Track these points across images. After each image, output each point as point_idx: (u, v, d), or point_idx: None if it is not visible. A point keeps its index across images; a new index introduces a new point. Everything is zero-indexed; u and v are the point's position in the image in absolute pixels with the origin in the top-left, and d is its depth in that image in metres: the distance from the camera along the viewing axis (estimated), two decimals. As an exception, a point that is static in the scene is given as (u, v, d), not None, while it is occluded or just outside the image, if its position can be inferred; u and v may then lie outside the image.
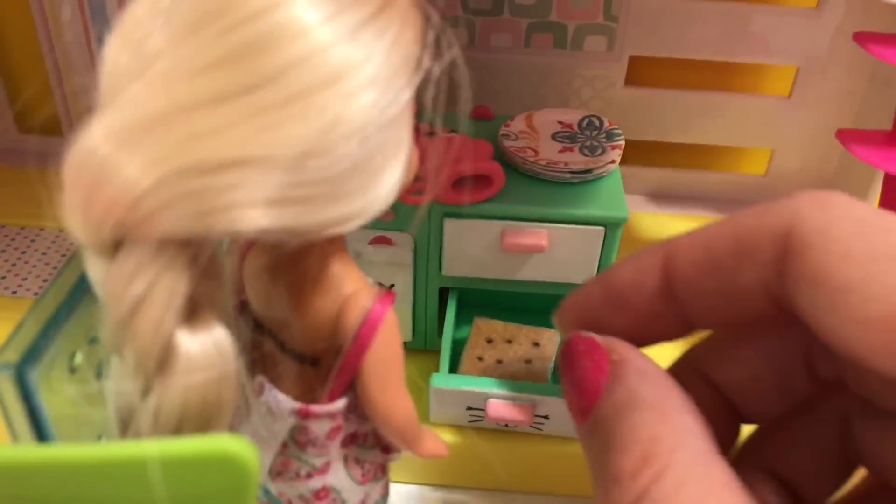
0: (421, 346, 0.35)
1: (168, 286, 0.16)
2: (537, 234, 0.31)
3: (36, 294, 0.39)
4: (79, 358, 0.19)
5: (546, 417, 0.30)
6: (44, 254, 0.41)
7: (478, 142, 0.31)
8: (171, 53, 0.16)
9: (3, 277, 0.40)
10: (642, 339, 0.20)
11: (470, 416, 0.31)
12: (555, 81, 0.44)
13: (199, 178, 0.15)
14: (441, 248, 0.32)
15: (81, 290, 0.19)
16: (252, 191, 0.15)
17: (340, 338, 0.21)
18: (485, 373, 0.32)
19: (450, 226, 0.32)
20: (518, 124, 0.35)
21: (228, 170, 0.15)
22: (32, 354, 0.17)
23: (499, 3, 0.42)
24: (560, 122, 0.35)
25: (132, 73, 0.16)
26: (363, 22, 0.16)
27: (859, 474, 0.20)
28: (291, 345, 0.22)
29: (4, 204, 0.45)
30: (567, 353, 0.20)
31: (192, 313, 0.17)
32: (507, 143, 0.33)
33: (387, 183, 0.18)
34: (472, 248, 0.32)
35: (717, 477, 0.16)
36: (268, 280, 0.21)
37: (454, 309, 0.34)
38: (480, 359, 0.33)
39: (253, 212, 0.16)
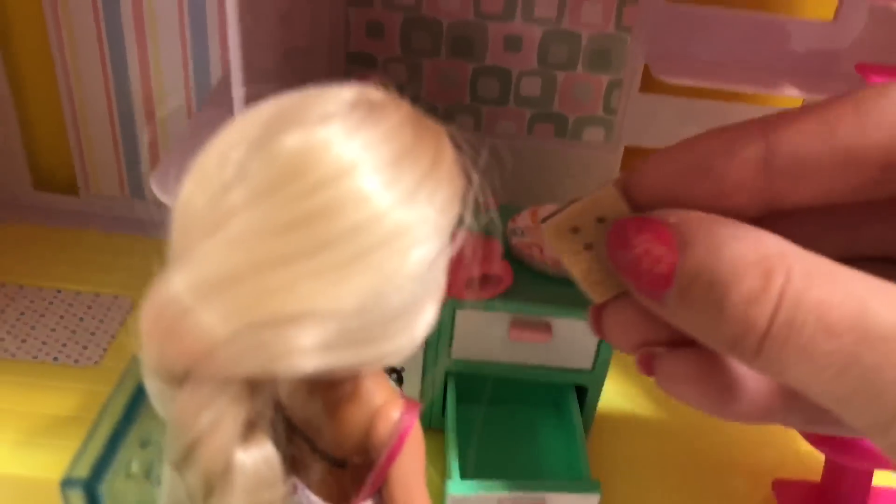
0: (426, 425, 0.37)
1: (232, 417, 0.18)
2: (542, 327, 0.33)
3: (35, 357, 0.40)
4: (135, 465, 0.21)
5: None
6: (61, 317, 0.43)
7: (488, 240, 0.34)
8: (247, 213, 0.18)
9: (24, 341, 0.41)
10: (719, 212, 0.20)
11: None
12: (554, 167, 0.47)
13: (269, 330, 0.17)
14: (451, 335, 0.35)
15: (139, 404, 0.21)
16: (313, 339, 0.17)
17: (370, 445, 0.23)
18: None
19: (461, 316, 0.34)
20: (524, 219, 0.37)
21: (295, 322, 0.17)
22: (100, 469, 0.19)
23: (505, 93, 0.45)
24: (563, 218, 0.37)
25: (208, 225, 0.18)
26: (416, 184, 0.18)
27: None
28: (322, 447, 0.24)
29: (23, 263, 0.47)
30: (617, 236, 0.20)
31: (247, 432, 0.19)
32: (514, 239, 0.35)
33: (428, 315, 0.20)
34: (480, 336, 0.34)
35: (832, 264, 0.17)
36: (305, 392, 0.23)
37: (454, 398, 0.36)
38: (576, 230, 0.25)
39: (312, 356, 0.18)
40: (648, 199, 0.21)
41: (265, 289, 0.17)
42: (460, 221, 0.20)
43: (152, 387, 0.19)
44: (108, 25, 0.45)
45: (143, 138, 0.49)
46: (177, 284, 0.17)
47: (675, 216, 0.19)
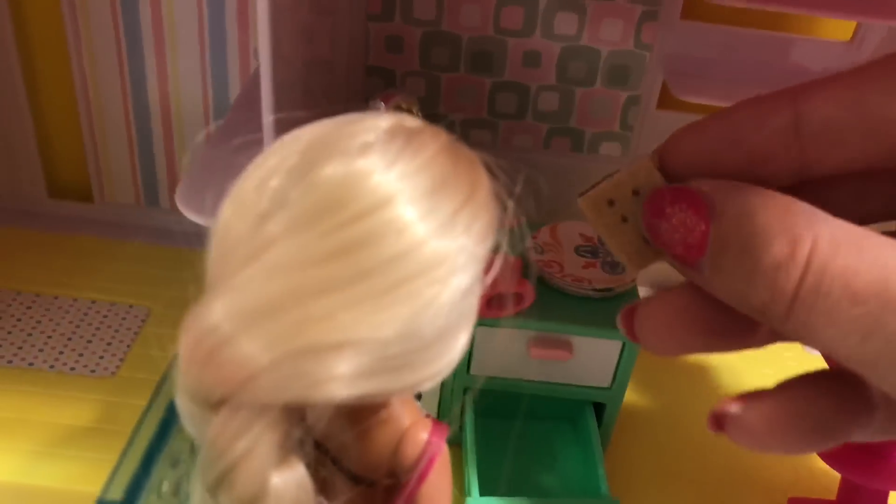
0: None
1: (268, 442, 0.18)
2: (563, 345, 0.34)
3: (52, 367, 0.40)
4: (165, 485, 0.21)
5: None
6: (77, 326, 0.43)
7: (509, 258, 0.34)
8: (287, 241, 0.18)
9: (41, 350, 0.41)
10: (751, 180, 0.20)
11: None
12: (571, 182, 0.47)
13: (309, 358, 0.17)
14: (471, 351, 0.35)
15: (171, 423, 0.21)
16: (352, 366, 0.18)
17: (398, 467, 0.23)
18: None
19: (480, 332, 0.34)
20: (543, 236, 0.37)
21: (335, 351, 0.17)
22: (133, 491, 0.19)
23: (522, 108, 0.45)
24: (582, 235, 0.38)
25: (247, 253, 0.18)
26: (453, 214, 0.19)
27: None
28: (349, 467, 0.24)
29: (39, 272, 0.47)
30: (654, 206, 0.21)
31: (281, 455, 0.19)
32: (535, 256, 0.35)
33: (462, 341, 0.20)
34: (499, 353, 0.34)
35: (851, 225, 0.18)
36: (333, 412, 0.23)
37: (473, 414, 0.36)
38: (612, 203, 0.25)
39: (349, 383, 0.18)
40: (683, 170, 0.21)
41: (305, 318, 0.17)
42: (496, 248, 0.20)
43: (186, 409, 0.19)
44: (127, 35, 0.45)
45: (160, 147, 0.49)
46: (217, 312, 0.17)
47: (707, 185, 0.20)
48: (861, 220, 0.20)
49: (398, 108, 0.32)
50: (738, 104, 0.21)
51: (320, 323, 0.17)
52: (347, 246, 0.17)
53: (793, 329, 0.18)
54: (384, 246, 0.18)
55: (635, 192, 0.23)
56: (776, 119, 0.20)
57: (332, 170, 0.18)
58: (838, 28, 0.44)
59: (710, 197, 0.20)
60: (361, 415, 0.23)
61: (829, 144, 0.20)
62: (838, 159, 0.20)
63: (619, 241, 0.24)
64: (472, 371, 0.35)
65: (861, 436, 0.21)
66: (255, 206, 0.18)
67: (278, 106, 0.27)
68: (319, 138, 0.19)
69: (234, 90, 0.47)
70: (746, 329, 0.21)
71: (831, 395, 0.21)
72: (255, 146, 0.25)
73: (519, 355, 0.34)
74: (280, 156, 0.19)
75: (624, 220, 0.24)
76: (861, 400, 0.20)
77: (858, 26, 0.43)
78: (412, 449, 0.23)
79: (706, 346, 0.22)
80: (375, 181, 0.18)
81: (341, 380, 0.18)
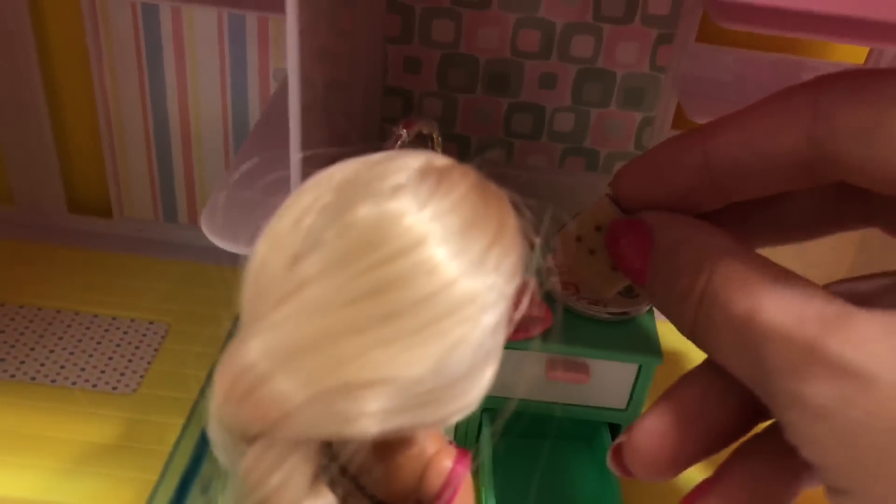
0: (460, 460, 0.38)
1: (301, 476, 0.19)
2: (580, 368, 0.34)
3: (74, 383, 0.41)
4: (198, 513, 0.22)
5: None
6: (98, 343, 0.44)
7: (529, 281, 0.34)
8: (321, 281, 0.18)
9: (63, 367, 0.42)
10: (685, 210, 0.24)
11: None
12: (585, 199, 0.47)
13: (343, 396, 0.18)
14: (486, 374, 0.35)
15: (204, 452, 0.21)
16: (384, 404, 0.18)
17: (423, 495, 0.24)
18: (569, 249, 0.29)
19: (497, 355, 0.34)
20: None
21: (368, 389, 0.18)
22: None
23: (538, 128, 0.45)
24: (598, 257, 0.38)
25: (282, 292, 0.19)
26: (483, 253, 0.19)
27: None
28: (375, 494, 0.25)
29: (60, 287, 0.48)
30: (611, 236, 0.24)
31: (312, 486, 0.20)
32: (552, 278, 0.36)
33: (489, 375, 0.20)
34: (515, 374, 0.35)
35: (754, 261, 0.21)
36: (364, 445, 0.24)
37: (489, 434, 0.37)
38: (580, 239, 0.29)
39: (381, 419, 0.18)
40: (631, 204, 0.25)
41: (339, 357, 0.18)
42: (524, 286, 0.20)
43: (220, 440, 0.19)
44: (149, 53, 0.46)
45: (178, 164, 0.50)
46: (253, 351, 0.18)
47: (651, 217, 0.23)
48: (787, 230, 0.25)
49: (419, 135, 0.33)
50: (660, 145, 0.24)
51: (353, 362, 0.18)
52: (380, 286, 0.18)
53: (700, 348, 0.22)
54: (416, 286, 0.18)
55: (598, 228, 0.27)
56: (689, 158, 0.23)
57: (365, 211, 0.18)
58: (852, 52, 0.44)
59: (652, 228, 0.23)
60: (387, 444, 0.24)
61: (737, 178, 0.23)
62: (750, 189, 0.23)
63: (589, 271, 0.27)
64: (490, 392, 0.36)
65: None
66: (291, 245, 0.19)
67: (307, 128, 0.27)
68: (352, 178, 0.20)
69: (254, 108, 0.47)
70: (734, 423, 0.24)
71: (722, 400, 0.23)
72: (282, 181, 0.26)
73: (536, 377, 0.35)
74: (314, 195, 0.20)
75: (591, 252, 0.27)
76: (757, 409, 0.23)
77: (871, 50, 0.43)
78: (437, 478, 0.23)
79: (702, 456, 0.25)
80: (408, 223, 0.18)
81: (373, 416, 0.18)
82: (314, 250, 0.19)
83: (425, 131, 0.34)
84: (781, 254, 0.24)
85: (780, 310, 0.20)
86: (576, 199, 0.49)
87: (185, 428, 0.22)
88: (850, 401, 0.18)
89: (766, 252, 0.25)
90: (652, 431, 0.24)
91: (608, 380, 0.35)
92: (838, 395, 0.19)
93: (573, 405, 0.36)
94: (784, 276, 0.21)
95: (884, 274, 0.24)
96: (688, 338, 0.22)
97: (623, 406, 0.36)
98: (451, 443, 0.25)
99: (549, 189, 0.47)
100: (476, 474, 0.36)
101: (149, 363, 0.43)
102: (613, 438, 0.37)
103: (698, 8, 0.42)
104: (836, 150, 0.20)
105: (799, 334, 0.19)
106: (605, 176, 0.47)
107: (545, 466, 0.38)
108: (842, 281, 0.24)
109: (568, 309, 0.35)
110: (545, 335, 0.34)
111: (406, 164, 0.20)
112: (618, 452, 0.26)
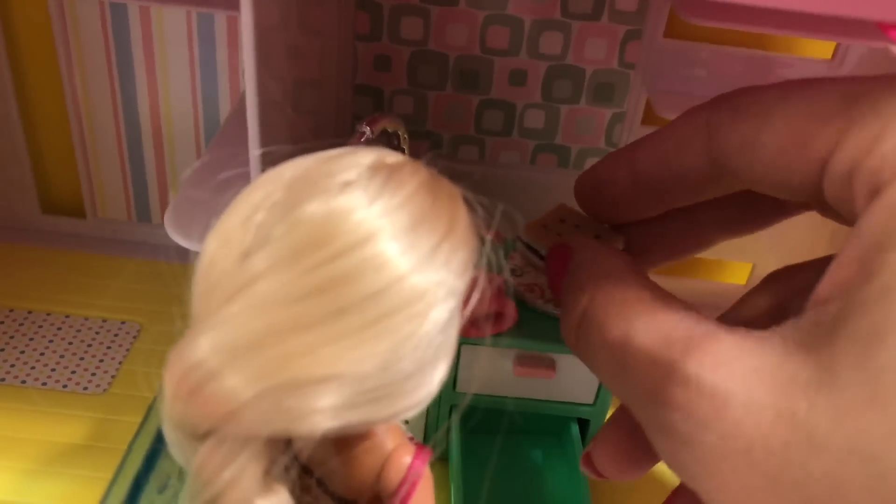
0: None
1: (253, 472, 0.19)
2: (546, 364, 0.34)
3: (44, 384, 0.41)
4: (154, 511, 0.22)
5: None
6: (70, 343, 0.43)
7: (493, 277, 0.34)
8: (270, 278, 0.18)
9: (33, 368, 0.42)
10: (624, 218, 0.27)
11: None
12: (557, 197, 0.48)
13: (292, 392, 0.18)
14: (456, 369, 0.35)
15: (159, 450, 0.21)
16: (334, 400, 0.18)
17: (382, 490, 0.24)
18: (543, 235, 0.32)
19: (465, 350, 0.34)
20: (517, 258, 0.37)
21: (317, 385, 0.18)
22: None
23: (509, 125, 0.46)
24: (566, 253, 0.38)
25: (232, 289, 0.19)
26: (433, 249, 0.19)
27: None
28: (334, 490, 0.25)
29: (31, 288, 0.47)
30: (547, 258, 0.27)
31: (264, 482, 0.20)
32: (515, 278, 0.36)
33: (441, 372, 0.21)
34: (484, 370, 0.35)
35: (637, 285, 0.22)
36: (318, 440, 0.24)
37: (458, 430, 0.37)
38: (545, 226, 0.33)
39: (331, 416, 0.18)
40: (589, 213, 0.28)
41: (288, 353, 0.18)
42: (474, 282, 0.20)
43: (172, 438, 0.19)
44: (118, 53, 0.46)
45: (151, 164, 0.50)
46: (202, 347, 0.18)
47: (574, 241, 0.25)
48: (736, 225, 0.26)
49: (384, 132, 0.33)
50: (603, 159, 0.27)
51: (302, 358, 0.18)
52: (329, 283, 0.18)
53: (583, 361, 0.23)
54: (365, 282, 0.18)
55: (562, 220, 0.32)
56: (621, 173, 0.25)
57: (314, 207, 0.18)
58: (820, 47, 0.44)
59: (572, 251, 0.25)
60: (346, 440, 0.24)
61: (661, 191, 0.25)
62: (678, 198, 0.25)
63: None
64: (458, 388, 0.36)
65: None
66: (240, 242, 0.19)
67: (267, 127, 0.27)
68: (303, 175, 0.20)
69: (224, 107, 0.47)
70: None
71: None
72: (242, 178, 0.26)
73: (503, 373, 0.35)
74: (264, 191, 0.20)
75: (559, 235, 0.31)
76: None
77: (839, 46, 0.43)
78: (395, 473, 0.23)
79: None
80: (357, 219, 0.18)
81: (323, 412, 0.18)
82: (263, 247, 0.19)
83: (391, 129, 0.34)
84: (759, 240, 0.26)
85: (649, 332, 0.20)
86: (548, 196, 0.49)
87: (141, 426, 0.22)
88: (707, 425, 0.18)
89: (751, 238, 0.28)
90: (612, 439, 0.26)
91: (575, 375, 0.35)
92: (697, 420, 0.18)
93: (542, 400, 0.36)
94: (663, 300, 0.20)
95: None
96: (573, 352, 0.24)
97: (591, 401, 0.36)
98: (411, 438, 0.25)
99: (522, 186, 0.47)
100: (446, 471, 0.36)
101: (120, 363, 0.42)
102: (582, 433, 0.38)
103: (666, 4, 0.42)
104: (729, 165, 0.21)
105: (664, 356, 0.19)
106: (576, 172, 0.47)
107: (515, 463, 0.38)
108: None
109: (532, 308, 0.35)
110: (512, 331, 0.34)
111: (357, 161, 0.20)
112: (588, 459, 0.28)
